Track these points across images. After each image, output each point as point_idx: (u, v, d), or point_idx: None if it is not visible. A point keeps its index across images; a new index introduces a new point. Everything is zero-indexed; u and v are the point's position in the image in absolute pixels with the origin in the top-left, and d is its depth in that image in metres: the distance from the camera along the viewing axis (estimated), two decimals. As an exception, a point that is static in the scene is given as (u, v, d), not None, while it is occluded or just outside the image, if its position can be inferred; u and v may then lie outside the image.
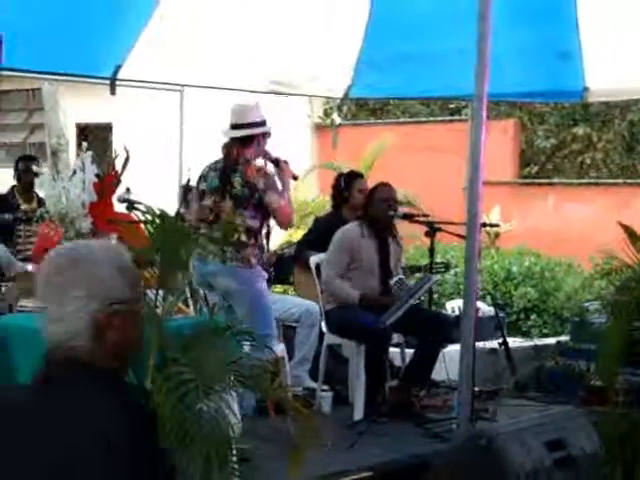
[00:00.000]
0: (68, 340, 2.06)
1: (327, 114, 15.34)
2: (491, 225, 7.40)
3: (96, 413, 1.99)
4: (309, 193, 13.47)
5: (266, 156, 5.60)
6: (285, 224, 5.56)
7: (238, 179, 5.39)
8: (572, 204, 12.91)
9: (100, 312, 2.07)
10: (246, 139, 5.46)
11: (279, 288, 8.21)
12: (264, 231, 5.56)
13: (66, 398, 2.03)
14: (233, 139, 5.51)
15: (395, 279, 6.03)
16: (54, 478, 1.94)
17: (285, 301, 6.61)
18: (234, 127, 5.52)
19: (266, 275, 5.62)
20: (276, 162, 5.62)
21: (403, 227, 7.95)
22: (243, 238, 5.35)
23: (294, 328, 6.48)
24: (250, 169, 5.36)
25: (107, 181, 4.37)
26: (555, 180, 14.71)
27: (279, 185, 5.48)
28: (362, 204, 6.37)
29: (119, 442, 1.95)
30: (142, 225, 3.70)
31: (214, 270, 5.35)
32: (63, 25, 5.39)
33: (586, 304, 7.82)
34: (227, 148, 5.54)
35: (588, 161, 15.39)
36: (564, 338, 7.54)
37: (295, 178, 5.83)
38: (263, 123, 5.51)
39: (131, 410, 2.08)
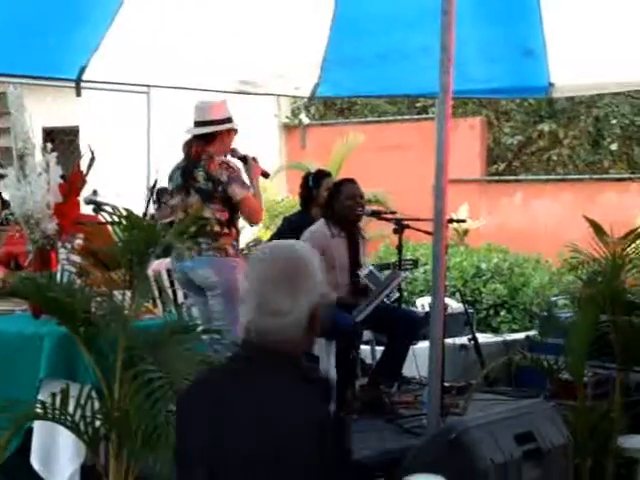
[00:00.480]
0: (287, 330, 2.34)
1: (295, 114, 15.34)
2: (457, 221, 7.43)
3: (306, 401, 2.29)
4: (278, 193, 13.46)
5: (234, 154, 5.59)
6: (252, 218, 5.51)
7: (201, 174, 5.37)
8: (539, 200, 12.99)
9: (315, 304, 2.39)
10: (208, 136, 5.43)
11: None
12: (239, 224, 5.51)
13: (272, 383, 2.30)
14: (195, 137, 5.49)
15: (366, 271, 6.03)
16: (268, 457, 2.21)
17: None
18: (197, 125, 5.51)
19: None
20: (244, 159, 5.61)
21: (372, 226, 7.98)
22: (216, 229, 5.32)
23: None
24: (213, 164, 5.34)
25: (72, 182, 4.35)
26: (522, 177, 14.80)
27: (246, 180, 5.46)
28: (326, 201, 6.33)
29: (330, 430, 2.26)
30: (109, 226, 3.70)
31: (191, 264, 5.31)
32: (25, 27, 5.34)
33: (554, 299, 7.88)
34: (188, 146, 5.52)
35: (555, 157, 15.49)
36: (533, 333, 7.58)
37: (265, 175, 5.82)
38: (227, 120, 5.48)
39: (328, 399, 2.44)
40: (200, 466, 2.30)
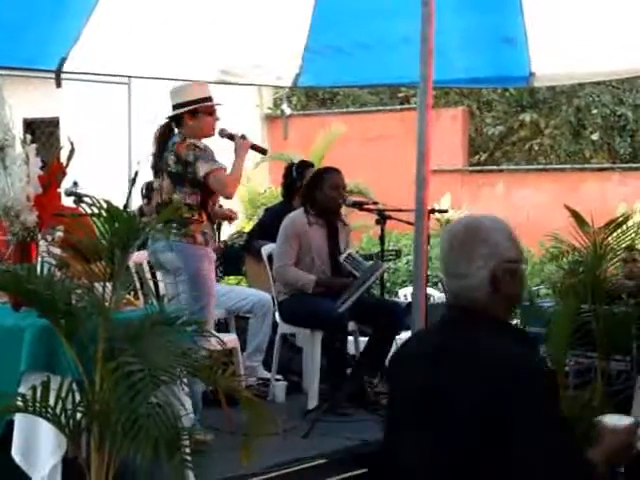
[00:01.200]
0: (470, 292, 2.58)
1: (277, 105, 15.32)
2: (439, 211, 7.44)
3: (510, 356, 2.49)
4: (261, 184, 13.45)
5: (222, 133, 5.44)
6: (222, 192, 5.25)
7: (172, 157, 5.19)
8: (521, 190, 13.02)
9: (497, 269, 2.56)
10: (178, 118, 5.33)
11: (232, 280, 8.19)
12: (211, 209, 5.34)
13: (471, 338, 2.55)
14: (168, 121, 5.40)
15: (344, 255, 6.03)
16: (493, 407, 2.38)
17: (237, 292, 6.60)
18: (172, 109, 5.42)
19: (214, 257, 5.35)
20: (230, 137, 5.46)
21: (355, 217, 7.98)
22: (186, 215, 5.17)
23: (247, 319, 6.48)
24: (181, 146, 5.21)
25: (52, 173, 4.32)
26: (504, 167, 14.83)
27: (216, 158, 5.23)
28: (305, 188, 6.30)
29: (540, 384, 2.45)
30: (89, 218, 3.68)
31: (158, 246, 5.23)
32: (4, 17, 5.30)
33: (536, 288, 7.90)
34: (158, 131, 5.41)
35: (536, 147, 15.53)
36: (515, 322, 7.60)
37: (261, 151, 5.69)
38: (200, 101, 5.28)
39: (536, 355, 2.74)
40: (418, 418, 2.54)
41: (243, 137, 5.35)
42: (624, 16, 5.89)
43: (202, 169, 5.12)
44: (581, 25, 6.10)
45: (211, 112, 5.28)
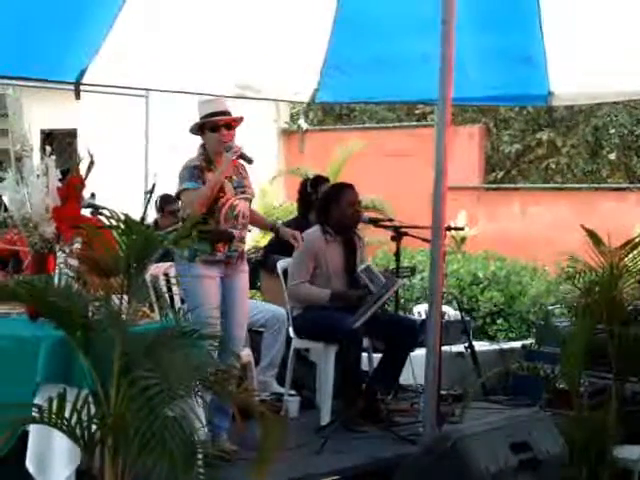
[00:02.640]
0: None
1: (294, 119, 15.35)
2: (456, 228, 7.44)
3: None
4: (276, 199, 13.48)
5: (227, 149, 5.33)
6: (189, 209, 5.03)
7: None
8: (537, 209, 13.00)
9: None
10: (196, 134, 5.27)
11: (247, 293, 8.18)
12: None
13: None
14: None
15: (362, 266, 6.02)
16: None
17: (252, 306, 6.58)
18: None
19: (206, 273, 5.10)
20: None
21: (370, 233, 7.98)
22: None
23: (261, 333, 6.48)
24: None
25: (71, 185, 4.34)
26: (520, 185, 14.81)
27: (191, 176, 5.08)
28: (321, 205, 6.28)
29: None
30: (109, 231, 3.69)
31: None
32: (25, 29, 5.34)
33: (551, 308, 7.88)
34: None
35: (553, 166, 15.52)
36: (530, 341, 7.58)
37: (247, 159, 5.23)
38: (206, 117, 5.16)
39: None
40: None
41: (227, 149, 5.13)
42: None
43: (177, 188, 5.14)
44: (601, 45, 6.11)
45: (214, 128, 5.15)
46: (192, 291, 5.10)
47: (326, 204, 6.17)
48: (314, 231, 6.10)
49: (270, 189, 13.66)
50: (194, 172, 5.08)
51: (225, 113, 5.20)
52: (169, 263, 5.45)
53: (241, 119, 5.26)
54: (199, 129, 5.21)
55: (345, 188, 6.21)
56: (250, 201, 5.33)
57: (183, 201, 5.14)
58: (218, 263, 5.14)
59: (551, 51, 6.33)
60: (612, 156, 15.18)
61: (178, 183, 5.14)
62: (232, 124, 5.21)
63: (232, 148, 5.14)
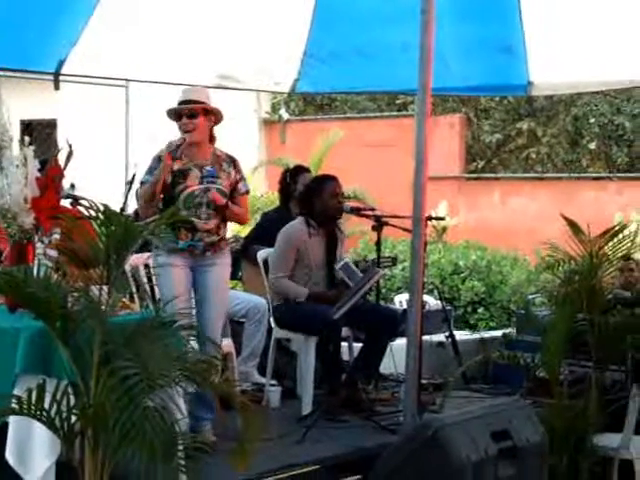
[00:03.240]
0: None
1: (275, 110, 15.33)
2: (436, 218, 7.46)
3: None
4: (257, 189, 13.45)
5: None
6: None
7: None
8: (518, 198, 13.05)
9: None
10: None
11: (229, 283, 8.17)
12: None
13: None
14: None
15: (341, 263, 6.02)
16: None
17: (233, 297, 6.58)
18: None
19: (170, 261, 4.97)
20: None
21: (352, 223, 7.99)
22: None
23: (242, 323, 6.48)
24: None
25: (50, 176, 4.32)
26: (501, 175, 14.86)
27: (152, 170, 5.06)
28: (303, 197, 6.27)
29: None
30: (88, 221, 3.67)
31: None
32: (4, 19, 5.31)
33: (531, 297, 7.91)
34: None
35: (533, 156, 15.58)
36: (510, 330, 7.62)
37: None
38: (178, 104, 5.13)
39: None
40: None
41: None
42: (623, 26, 5.91)
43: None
44: (580, 35, 6.13)
45: (177, 116, 5.08)
46: (160, 280, 5.08)
47: (308, 197, 6.14)
48: (297, 223, 6.08)
49: (252, 180, 13.64)
50: (155, 164, 5.04)
51: (192, 102, 5.13)
52: (149, 253, 5.42)
53: (211, 110, 5.13)
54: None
55: (327, 180, 6.19)
56: (225, 195, 5.13)
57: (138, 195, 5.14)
58: (182, 251, 5.02)
59: (531, 41, 6.34)
60: (592, 145, 15.25)
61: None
62: (196, 112, 5.06)
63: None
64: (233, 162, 5.22)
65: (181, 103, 5.11)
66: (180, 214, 4.88)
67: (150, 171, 5.05)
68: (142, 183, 5.09)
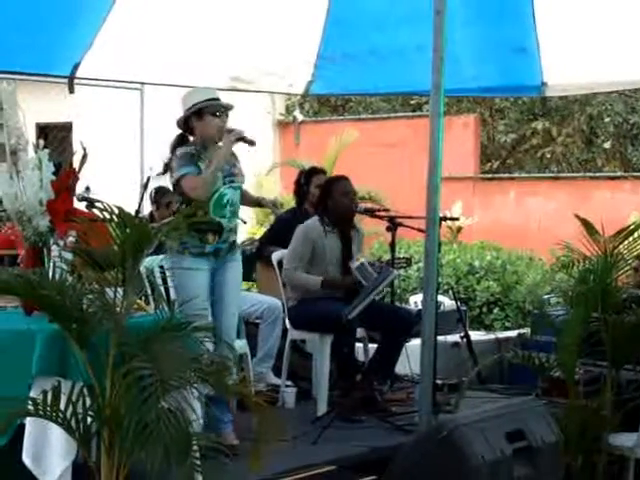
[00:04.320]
0: None
1: (289, 111, 15.35)
2: (450, 219, 7.44)
3: None
4: (272, 191, 13.47)
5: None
6: (191, 194, 4.97)
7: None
8: (533, 198, 13.02)
9: None
10: (192, 128, 5.18)
11: (243, 286, 8.19)
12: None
13: None
14: (182, 131, 5.33)
15: (357, 264, 6.02)
16: None
17: (247, 298, 6.60)
18: None
19: (195, 266, 5.00)
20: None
21: (366, 223, 7.98)
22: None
23: (257, 325, 6.49)
24: (174, 155, 5.12)
25: (65, 178, 4.35)
26: (516, 175, 14.82)
27: (184, 162, 5.04)
28: (318, 199, 6.33)
29: None
30: (104, 224, 3.69)
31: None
32: (19, 23, 5.34)
33: (546, 297, 7.89)
34: (173, 141, 5.34)
35: (548, 155, 15.53)
36: (525, 330, 7.60)
37: (249, 142, 5.13)
38: (205, 101, 5.12)
39: None
40: None
41: (229, 131, 5.10)
42: (636, 26, 5.90)
43: (175, 175, 5.04)
44: (594, 35, 6.11)
45: (215, 113, 5.10)
46: (181, 284, 5.08)
47: (322, 199, 6.23)
48: (313, 221, 6.15)
49: (266, 181, 13.66)
50: (192, 159, 5.04)
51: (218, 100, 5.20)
52: (163, 255, 5.43)
53: (232, 107, 5.21)
54: (196, 114, 5.13)
55: (337, 180, 6.28)
56: (240, 188, 5.23)
57: (184, 187, 5.01)
58: (207, 255, 5.05)
59: (544, 42, 6.33)
60: (607, 145, 15.19)
61: (174, 171, 5.04)
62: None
63: (234, 131, 5.10)
64: (234, 154, 5.26)
65: (215, 100, 5.12)
66: (211, 217, 4.97)
67: (189, 164, 5.00)
68: (186, 175, 5.00)
